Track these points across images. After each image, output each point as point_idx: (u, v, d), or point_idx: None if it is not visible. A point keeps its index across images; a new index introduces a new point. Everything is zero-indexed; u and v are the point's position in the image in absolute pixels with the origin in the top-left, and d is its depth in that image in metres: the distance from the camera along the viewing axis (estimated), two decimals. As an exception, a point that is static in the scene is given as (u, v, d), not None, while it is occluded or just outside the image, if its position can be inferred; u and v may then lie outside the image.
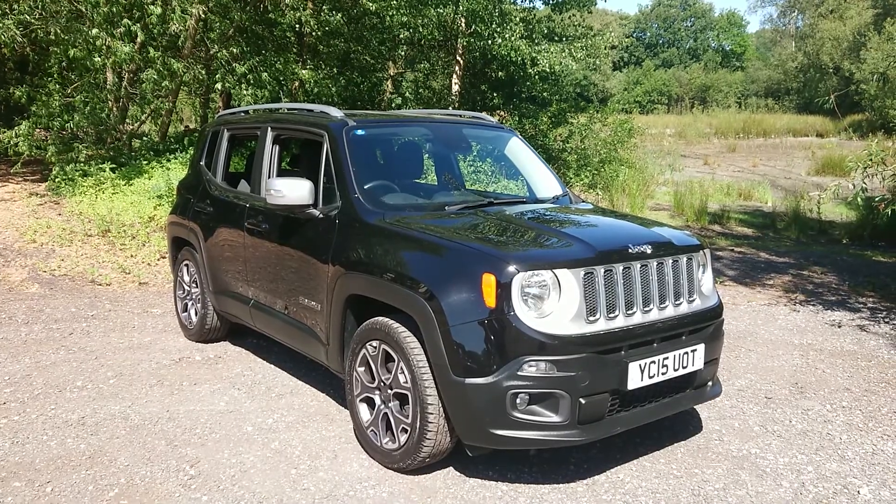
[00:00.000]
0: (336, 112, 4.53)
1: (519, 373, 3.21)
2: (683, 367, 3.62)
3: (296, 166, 5.45)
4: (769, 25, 59.36)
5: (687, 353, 3.62)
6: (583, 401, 3.28)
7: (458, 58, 13.79)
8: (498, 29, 12.33)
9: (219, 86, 11.29)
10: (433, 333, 3.33)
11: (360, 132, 4.35)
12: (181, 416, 4.32)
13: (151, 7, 10.24)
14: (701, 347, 3.70)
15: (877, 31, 37.76)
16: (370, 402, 3.83)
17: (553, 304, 3.30)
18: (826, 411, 4.51)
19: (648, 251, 3.60)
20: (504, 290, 3.22)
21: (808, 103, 46.16)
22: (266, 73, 11.94)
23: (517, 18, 12.90)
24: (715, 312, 3.88)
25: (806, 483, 3.58)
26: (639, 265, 3.54)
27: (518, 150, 5.14)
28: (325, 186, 4.27)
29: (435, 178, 5.24)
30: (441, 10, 11.82)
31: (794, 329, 6.37)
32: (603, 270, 3.40)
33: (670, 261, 3.69)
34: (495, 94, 14.55)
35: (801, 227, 13.23)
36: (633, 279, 3.51)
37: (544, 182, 4.94)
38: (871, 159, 6.97)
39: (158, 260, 8.61)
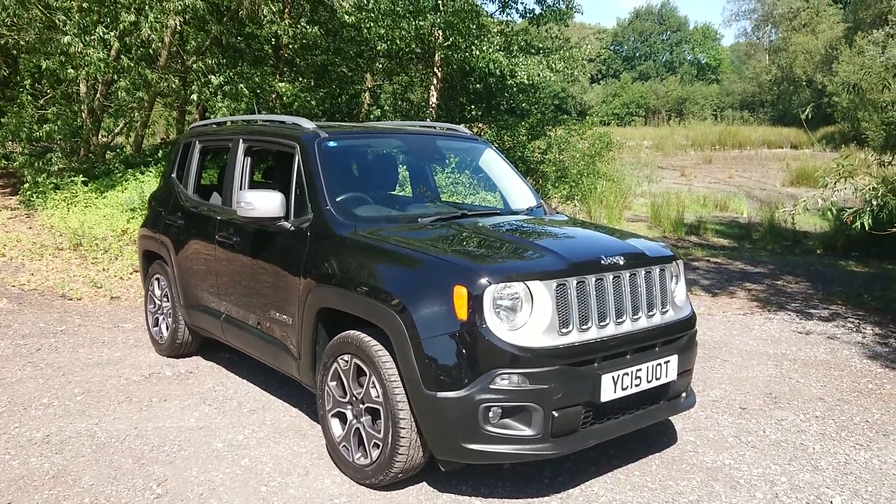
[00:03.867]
0: (308, 124, 4.49)
1: (491, 386, 3.18)
2: (657, 379, 3.61)
3: (268, 178, 5.39)
4: (743, 39, 60.24)
5: (660, 364, 3.61)
6: (556, 414, 3.25)
7: (436, 70, 13.81)
8: (475, 41, 12.36)
9: (195, 97, 11.20)
10: (405, 347, 3.29)
11: (331, 144, 4.32)
12: (149, 434, 4.23)
13: (125, 15, 10.17)
14: (674, 359, 3.69)
15: (848, 45, 38.40)
16: (342, 417, 3.77)
17: (525, 316, 3.27)
18: (800, 421, 4.52)
19: (621, 262, 3.59)
20: (476, 302, 3.19)
21: (783, 115, 46.84)
22: (243, 86, 11.88)
23: (495, 30, 12.94)
24: (688, 323, 3.88)
25: (779, 494, 3.58)
26: (611, 276, 3.53)
27: (492, 162, 5.12)
28: (296, 199, 4.22)
29: (408, 189, 5.20)
30: (419, 23, 11.82)
31: (769, 339, 6.40)
32: (576, 282, 3.38)
33: (643, 272, 3.68)
34: (473, 107, 14.57)
35: (776, 237, 13.36)
36: (605, 291, 3.49)
37: (518, 194, 4.93)
38: (840, 173, 7.04)
39: (131, 274, 8.49)
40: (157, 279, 5.75)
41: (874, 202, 6.52)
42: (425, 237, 3.81)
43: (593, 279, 3.45)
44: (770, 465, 3.89)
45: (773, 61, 51.40)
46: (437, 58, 13.59)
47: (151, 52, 11.16)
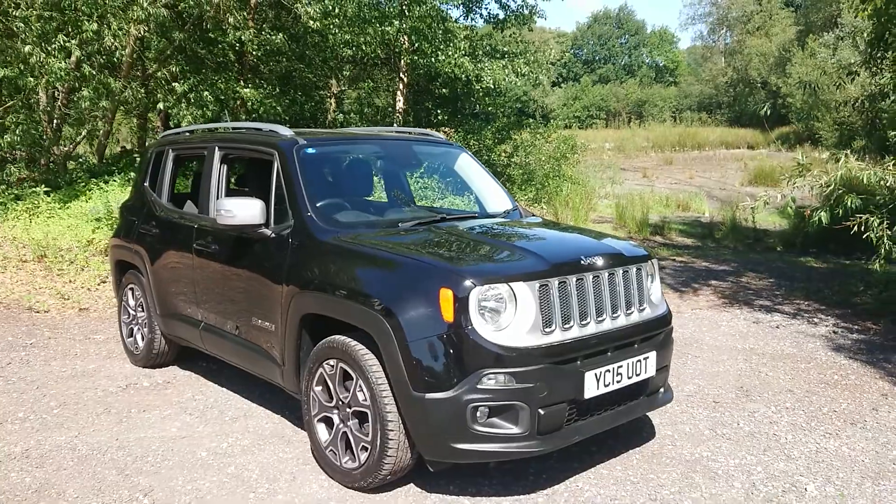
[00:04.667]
0: (285, 131, 4.51)
1: (479, 386, 3.24)
2: (637, 375, 3.71)
3: (244, 186, 5.38)
4: (700, 42, 61.39)
5: (640, 360, 3.71)
6: (542, 411, 3.32)
7: (402, 75, 13.86)
8: (441, 46, 12.45)
9: (160, 105, 11.08)
10: (392, 350, 3.33)
11: (310, 150, 4.34)
12: (131, 444, 4.20)
13: (87, 23, 10.02)
14: (653, 355, 3.80)
15: (800, 47, 39.43)
16: (328, 422, 3.79)
17: (510, 316, 3.34)
18: (771, 413, 4.67)
19: (600, 262, 3.68)
20: (461, 304, 3.25)
21: (739, 116, 47.88)
22: (207, 92, 11.79)
23: (462, 35, 13.05)
24: (664, 320, 3.99)
25: (756, 483, 3.70)
26: (591, 276, 3.61)
27: (467, 166, 5.20)
28: (276, 206, 4.23)
29: (385, 195, 5.24)
30: (386, 28, 11.87)
31: (737, 334, 6.57)
32: (557, 282, 3.47)
33: (621, 271, 3.78)
34: (440, 111, 14.65)
35: (737, 236, 13.67)
36: (585, 290, 3.58)
37: (494, 197, 5.01)
38: (799, 172, 7.26)
39: (98, 285, 8.37)
40: (132, 289, 5.69)
41: (831, 198, 6.73)
42: (408, 241, 3.87)
43: (574, 279, 3.54)
44: (745, 456, 4.01)
45: (728, 64, 52.47)
46: (402, 63, 13.65)
47: (115, 60, 11.02)
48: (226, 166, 4.86)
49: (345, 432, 3.67)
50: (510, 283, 3.35)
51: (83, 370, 5.59)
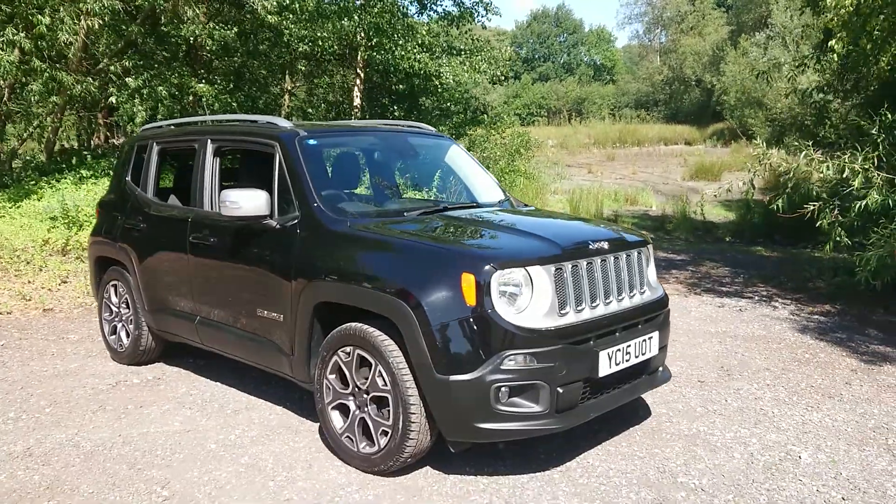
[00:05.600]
0: (284, 122, 4.52)
1: (502, 367, 3.34)
2: (643, 354, 3.88)
3: (235, 178, 5.33)
4: (636, 41, 62.92)
5: (645, 340, 3.88)
6: (560, 390, 3.45)
7: (359, 71, 13.84)
8: (400, 42, 12.49)
9: (113, 100, 10.81)
10: (415, 334, 3.40)
11: (311, 142, 4.36)
12: (136, 440, 4.16)
13: (39, 17, 9.71)
14: (656, 335, 3.98)
15: (733, 47, 40.79)
16: (343, 409, 3.84)
17: (528, 299, 3.46)
18: (754, 389, 4.92)
19: (606, 247, 3.83)
20: (483, 288, 3.35)
21: (675, 114, 49.23)
22: (162, 87, 11.56)
23: (424, 31, 13.11)
24: (663, 302, 4.18)
25: (754, 453, 3.92)
26: (599, 260, 3.76)
27: (458, 158, 5.29)
28: (279, 197, 4.24)
29: (386, 185, 5.29)
30: (344, 23, 11.84)
31: (707, 319, 6.86)
32: (570, 266, 3.60)
33: (624, 255, 3.94)
34: (396, 107, 14.69)
35: (688, 227, 14.14)
36: (595, 273, 3.73)
37: (486, 187, 5.12)
38: (760, 162, 7.58)
39: (59, 285, 8.15)
40: (114, 286, 5.59)
41: (787, 187, 7.04)
42: (422, 229, 3.95)
43: (585, 263, 3.68)
44: (739, 430, 4.23)
45: (664, 62, 53.91)
46: (359, 59, 13.63)
47: (69, 55, 10.70)
48: (219, 159, 4.83)
49: (362, 418, 3.72)
50: (528, 267, 3.47)
51: (65, 369, 5.47)
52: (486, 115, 15.56)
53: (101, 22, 10.05)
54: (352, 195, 4.54)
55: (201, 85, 12.28)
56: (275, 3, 11.99)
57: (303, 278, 3.93)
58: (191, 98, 12.57)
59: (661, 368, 4.22)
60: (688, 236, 13.59)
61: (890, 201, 5.68)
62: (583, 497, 3.46)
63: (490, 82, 16.37)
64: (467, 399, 3.36)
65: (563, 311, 3.53)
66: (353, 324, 3.70)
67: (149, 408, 4.66)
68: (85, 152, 12.51)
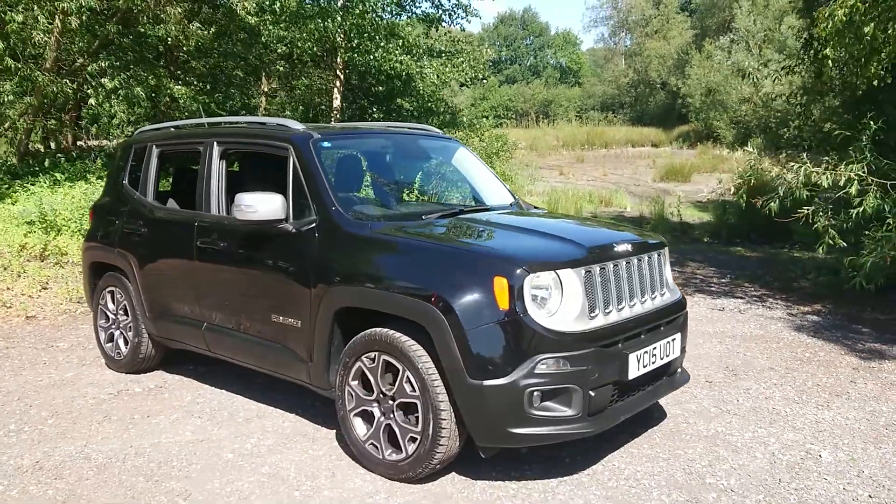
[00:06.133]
0: (296, 124, 4.44)
1: (536, 371, 3.32)
2: (667, 356, 3.89)
3: (239, 182, 5.21)
4: (602, 44, 63.56)
5: (668, 342, 3.90)
6: (592, 393, 3.44)
7: (339, 73, 13.73)
8: (382, 43, 12.42)
9: (92, 101, 10.56)
10: (446, 339, 3.36)
11: (326, 144, 4.30)
12: (149, 451, 4.04)
13: (11, 14, 9.44)
14: (678, 336, 3.99)
15: (698, 50, 41.46)
16: (366, 416, 3.78)
17: (558, 302, 3.44)
18: (763, 389, 4.97)
19: (630, 249, 3.84)
20: (516, 291, 3.33)
21: (641, 116, 49.84)
22: (139, 88, 11.34)
23: (406, 32, 13.04)
24: (681, 304, 4.19)
25: (775, 453, 3.95)
26: (624, 262, 3.76)
27: (465, 160, 5.26)
28: (294, 200, 4.16)
29: (399, 188, 5.24)
30: (326, 24, 11.74)
31: (703, 319, 6.92)
32: (598, 269, 3.59)
33: (646, 257, 3.95)
34: (375, 109, 14.61)
35: (665, 229, 14.29)
36: (620, 276, 3.73)
37: (496, 190, 5.10)
38: (751, 167, 7.64)
39: (40, 291, 7.93)
40: (111, 292, 5.44)
41: (781, 189, 7.11)
42: (447, 232, 3.91)
43: (611, 265, 3.68)
44: (756, 430, 4.27)
45: (629, 65, 54.54)
46: (339, 60, 13.53)
47: (43, 54, 10.43)
48: (225, 162, 4.73)
49: (388, 425, 3.67)
50: (559, 271, 3.45)
51: (61, 379, 5.30)
52: (464, 118, 15.55)
53: (78, 21, 9.79)
54: (366, 198, 4.47)
55: (178, 86, 12.08)
56: (254, 4, 11.86)
57: (323, 283, 3.85)
58: (167, 100, 12.36)
59: (679, 370, 4.23)
60: (666, 237, 13.70)
61: (885, 206, 5.79)
62: (615, 500, 3.45)
63: (471, 84, 16.35)
64: (501, 404, 3.33)
65: (592, 314, 3.53)
66: (379, 329, 3.64)
67: (156, 417, 4.54)
68: (59, 155, 12.19)
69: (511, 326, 3.33)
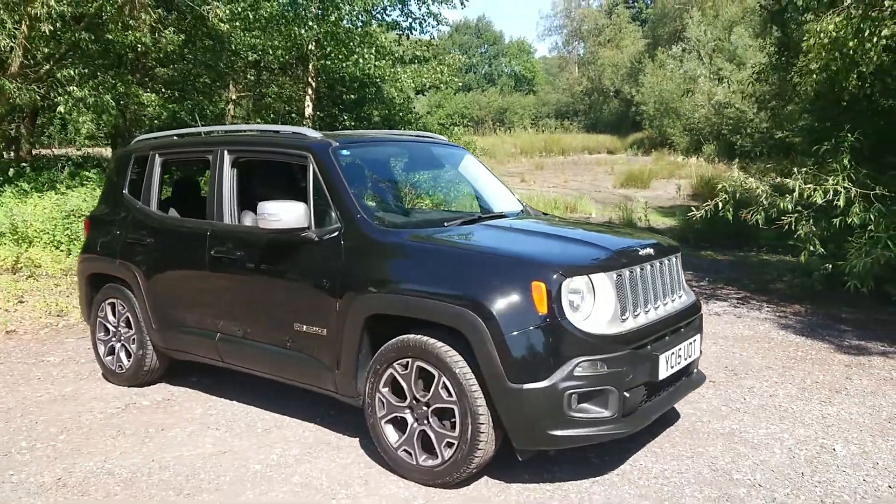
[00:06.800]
0: (313, 132, 4.44)
1: (574, 373, 3.38)
2: (689, 357, 4.01)
3: (250, 190, 5.15)
4: (556, 52, 64.44)
5: (690, 343, 4.01)
6: (627, 394, 3.52)
7: (311, 80, 13.66)
8: (357, 49, 12.42)
9: (61, 108, 10.30)
10: (486, 344, 3.39)
11: (345, 152, 4.30)
12: (173, 464, 3.97)
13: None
14: (698, 337, 4.11)
15: (650, 59, 42.35)
16: (398, 422, 3.79)
17: (591, 306, 3.52)
18: (766, 387, 5.13)
19: (652, 253, 3.94)
20: (554, 296, 3.39)
21: (595, 123, 50.66)
22: (109, 96, 11.11)
23: (383, 38, 13.05)
24: (697, 306, 4.31)
25: (792, 448, 4.09)
26: (649, 266, 3.86)
27: (472, 167, 5.31)
28: (314, 208, 4.14)
29: (416, 195, 5.26)
30: (300, 31, 11.69)
31: (692, 321, 7.09)
32: (628, 273, 3.68)
33: (666, 261, 4.06)
34: (345, 116, 14.58)
35: (634, 233, 14.55)
36: (646, 279, 3.82)
37: (504, 197, 5.15)
38: (742, 182, 7.74)
39: (16, 304, 7.71)
40: (112, 304, 5.32)
41: (765, 201, 7.28)
42: (477, 238, 3.95)
43: (638, 269, 3.77)
44: (769, 426, 4.41)
45: (583, 73, 55.41)
46: (311, 68, 13.47)
47: (9, 60, 10.14)
48: (236, 171, 4.69)
49: (422, 430, 3.68)
50: (592, 275, 3.53)
51: (61, 394, 5.17)
52: (435, 125, 15.62)
53: (50, 28, 9.55)
54: (386, 205, 4.49)
55: (148, 94, 11.88)
56: (227, 11, 11.74)
57: (352, 291, 3.85)
58: (135, 107, 12.13)
59: (695, 370, 4.35)
60: (637, 242, 13.96)
61: (870, 215, 6.03)
62: (651, 499, 3.53)
63: (449, 90, 16.44)
64: (541, 407, 3.38)
65: (623, 317, 3.61)
66: (412, 336, 3.66)
67: (171, 430, 4.46)
68: (23, 164, 11.86)
69: (549, 330, 3.38)
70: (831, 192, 6.15)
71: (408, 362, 3.68)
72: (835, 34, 5.63)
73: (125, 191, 5.32)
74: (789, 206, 6.80)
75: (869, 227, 6.16)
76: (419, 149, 5.15)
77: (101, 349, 5.43)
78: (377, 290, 3.78)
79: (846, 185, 6.13)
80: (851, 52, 5.77)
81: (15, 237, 9.24)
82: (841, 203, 6.08)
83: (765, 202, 7.11)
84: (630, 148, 41.43)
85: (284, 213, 3.95)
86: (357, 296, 3.83)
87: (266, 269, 4.30)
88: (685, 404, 4.77)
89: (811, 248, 6.85)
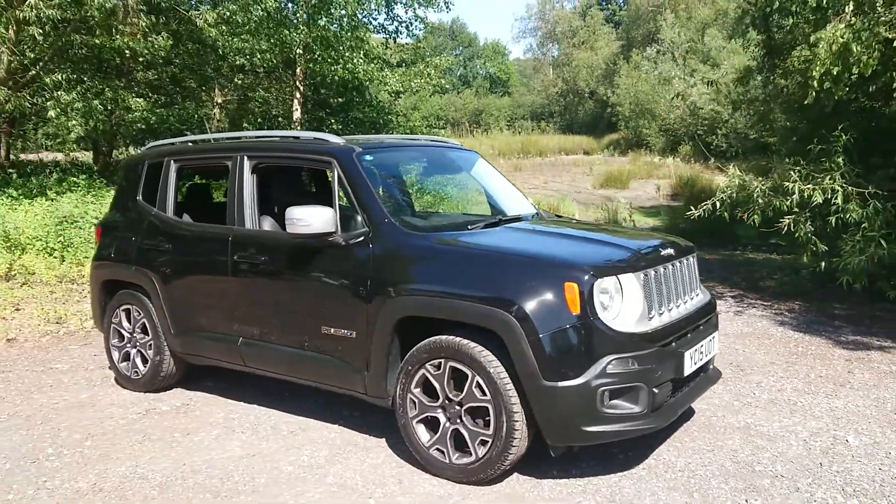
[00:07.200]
0: (335, 138, 4.50)
1: (607, 371, 3.49)
2: (709, 353, 4.14)
3: (266, 195, 5.18)
4: (531, 54, 64.85)
5: (710, 340, 4.14)
6: (655, 390, 3.64)
7: (299, 84, 13.67)
8: (347, 53, 12.46)
9: (51, 114, 10.20)
10: (521, 344, 3.48)
11: (369, 157, 4.37)
12: (204, 468, 4.01)
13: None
14: (716, 334, 4.24)
15: (625, 60, 42.80)
16: (429, 422, 3.87)
17: (623, 305, 3.63)
18: (772, 382, 5.29)
19: (673, 253, 4.07)
20: (586, 296, 3.49)
21: (570, 125, 51.08)
22: (97, 101, 11.05)
23: (370, 45, 13.10)
24: (713, 304, 4.45)
25: (807, 440, 4.24)
26: (671, 266, 3.99)
27: (484, 170, 5.40)
28: (340, 212, 4.21)
29: (434, 199, 5.33)
30: (294, 36, 11.71)
31: (691, 319, 7.25)
32: (653, 272, 3.80)
33: (685, 260, 4.19)
34: (333, 120, 14.60)
35: (620, 233, 14.75)
36: (669, 278, 3.95)
37: (518, 200, 5.25)
38: (740, 184, 7.88)
39: (13, 312, 7.66)
40: (126, 310, 5.33)
41: (760, 201, 7.45)
42: (506, 241, 4.04)
43: (661, 269, 3.89)
44: (782, 419, 4.56)
45: (558, 75, 55.83)
46: (299, 72, 13.48)
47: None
48: (256, 176, 4.73)
49: (455, 429, 3.76)
50: (621, 275, 3.64)
51: (77, 400, 5.17)
52: (422, 129, 15.69)
53: (40, 32, 9.47)
54: (409, 209, 4.57)
55: (137, 99, 11.82)
56: (214, 16, 11.72)
57: (382, 294, 3.92)
58: (122, 112, 12.05)
59: (711, 367, 4.48)
60: (623, 242, 14.16)
61: (866, 212, 6.22)
62: (681, 491, 3.65)
63: (437, 92, 16.51)
64: (575, 404, 3.48)
65: (650, 316, 3.72)
66: (445, 336, 3.74)
67: (197, 434, 4.49)
68: (10, 170, 11.72)
69: (582, 329, 3.49)
70: (829, 191, 6.32)
71: (440, 363, 3.76)
72: (842, 40, 5.80)
73: (139, 197, 5.34)
74: (786, 207, 6.98)
75: (863, 226, 6.36)
76: (435, 153, 5.24)
77: (116, 355, 5.43)
78: (409, 293, 3.85)
79: (843, 182, 6.32)
80: (853, 57, 5.96)
81: (7, 244, 9.14)
82: (839, 200, 6.26)
83: (761, 202, 7.28)
84: (606, 149, 41.78)
85: (314, 219, 4.01)
86: (388, 299, 3.90)
87: (292, 273, 4.35)
88: (698, 400, 4.88)
89: (812, 247, 7.01)
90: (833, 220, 6.49)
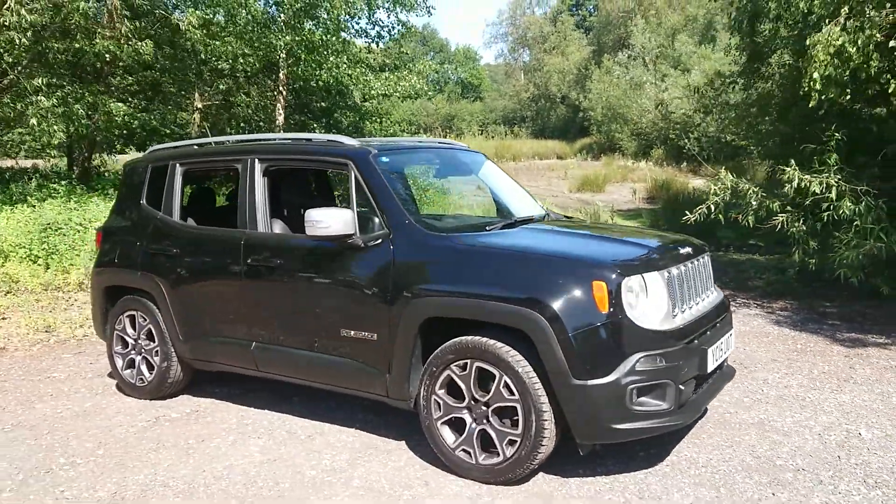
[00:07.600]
0: (351, 140, 4.48)
1: (636, 368, 3.51)
2: (728, 350, 4.19)
3: (276, 198, 5.13)
4: (502, 60, 65.22)
5: (727, 337, 4.20)
6: (681, 387, 3.67)
7: (282, 88, 13.58)
8: (332, 57, 12.42)
9: (33, 121, 10.00)
10: (550, 343, 3.49)
11: (385, 159, 4.36)
12: (226, 474, 3.96)
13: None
14: (732, 332, 4.30)
15: (597, 65, 43.21)
16: (455, 423, 3.86)
17: (648, 303, 3.66)
18: (778, 379, 5.37)
19: (690, 252, 4.12)
20: (614, 295, 3.52)
21: (542, 129, 51.43)
22: (78, 106, 10.86)
23: (359, 46, 13.07)
24: (727, 302, 4.51)
25: (821, 434, 4.32)
26: (690, 265, 4.04)
27: (491, 172, 5.42)
28: (358, 214, 4.19)
29: (449, 200, 5.32)
30: (278, 38, 11.63)
31: (687, 319, 7.34)
32: (675, 271, 3.85)
33: (700, 259, 4.24)
34: (315, 124, 14.53)
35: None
36: (688, 277, 3.99)
37: (527, 201, 5.28)
38: (733, 187, 7.95)
39: (0, 320, 7.48)
40: (131, 317, 5.24)
41: (753, 202, 7.54)
42: (530, 241, 4.05)
43: (682, 267, 3.94)
44: (794, 415, 4.64)
45: (529, 80, 56.18)
46: (282, 76, 13.39)
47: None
48: (268, 179, 4.69)
49: (482, 430, 3.76)
50: (647, 273, 3.67)
51: (82, 409, 5.06)
52: (404, 133, 15.67)
53: (22, 38, 9.28)
54: (426, 210, 4.56)
55: (119, 104, 11.65)
56: (199, 15, 11.59)
57: (404, 296, 3.91)
58: (96, 117, 11.85)
59: (726, 364, 4.54)
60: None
61: (859, 209, 6.36)
62: (707, 486, 3.69)
63: (425, 97, 16.50)
64: (604, 401, 3.50)
65: (674, 314, 3.77)
66: (472, 337, 3.73)
67: (212, 441, 4.43)
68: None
69: (611, 327, 3.51)
70: (825, 185, 6.44)
71: (466, 363, 3.75)
72: (840, 43, 5.93)
73: (143, 201, 5.26)
74: (778, 207, 7.09)
75: (855, 223, 6.48)
76: (447, 155, 5.24)
77: (119, 363, 5.33)
78: (433, 294, 3.84)
79: (837, 178, 6.45)
80: (852, 60, 6.09)
81: (-9, 252, 8.93)
82: (833, 196, 6.38)
83: (754, 204, 7.38)
84: (579, 153, 42.08)
85: (333, 221, 3.99)
86: (411, 300, 3.89)
87: (309, 276, 4.32)
88: (709, 397, 4.96)
89: (805, 246, 7.12)
90: (825, 218, 6.61)
